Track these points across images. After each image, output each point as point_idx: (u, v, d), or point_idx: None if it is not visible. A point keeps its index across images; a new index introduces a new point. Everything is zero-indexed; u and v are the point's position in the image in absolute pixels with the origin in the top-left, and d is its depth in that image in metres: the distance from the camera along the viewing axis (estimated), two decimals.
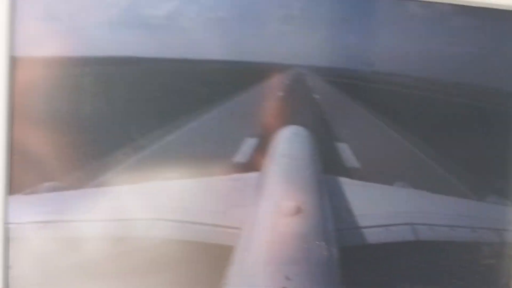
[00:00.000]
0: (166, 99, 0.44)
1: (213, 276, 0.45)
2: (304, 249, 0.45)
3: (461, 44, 0.48)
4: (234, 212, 0.46)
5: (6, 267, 0.43)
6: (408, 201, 0.49)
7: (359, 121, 0.48)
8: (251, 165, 0.46)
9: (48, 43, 0.42)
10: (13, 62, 0.42)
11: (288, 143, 0.47)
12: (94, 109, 0.43)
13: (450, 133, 0.49)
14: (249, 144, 0.46)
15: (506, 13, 0.48)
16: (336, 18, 0.46)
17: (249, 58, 0.45)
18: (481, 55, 0.49)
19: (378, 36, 0.47)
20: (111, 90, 0.43)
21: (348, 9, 0.47)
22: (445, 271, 0.49)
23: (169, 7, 0.43)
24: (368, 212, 0.48)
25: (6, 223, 0.43)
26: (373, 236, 0.48)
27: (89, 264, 0.44)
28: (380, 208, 0.48)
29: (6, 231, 0.43)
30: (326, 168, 0.47)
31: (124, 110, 0.44)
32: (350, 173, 0.48)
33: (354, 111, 0.48)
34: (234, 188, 0.46)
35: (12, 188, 0.43)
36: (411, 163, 0.49)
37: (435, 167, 0.49)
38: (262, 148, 0.46)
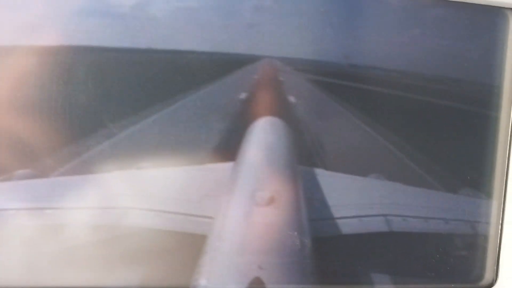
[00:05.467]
0: (134, 89, 0.44)
1: (186, 265, 0.45)
2: (277, 239, 0.46)
3: (438, 36, 0.49)
4: (207, 202, 0.46)
5: None
6: (382, 193, 0.49)
7: (333, 114, 0.48)
8: (225, 154, 0.46)
9: (18, 32, 0.42)
10: None
11: (263, 134, 0.47)
12: (67, 97, 0.43)
13: (425, 127, 0.49)
14: (223, 134, 0.46)
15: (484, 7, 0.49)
16: (311, 9, 0.46)
17: (220, 49, 0.45)
18: (457, 47, 0.49)
19: (354, 28, 0.47)
20: (83, 78, 0.43)
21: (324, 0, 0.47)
22: (418, 262, 0.50)
23: None
24: (342, 203, 0.48)
25: None
26: (347, 227, 0.48)
27: (62, 252, 0.44)
28: (354, 199, 0.49)
29: None
30: (301, 159, 0.48)
31: (96, 98, 0.44)
32: (324, 164, 0.48)
33: (329, 105, 0.48)
34: (208, 177, 0.46)
35: None
36: (386, 156, 0.49)
37: (410, 160, 0.49)
38: (236, 138, 0.46)
